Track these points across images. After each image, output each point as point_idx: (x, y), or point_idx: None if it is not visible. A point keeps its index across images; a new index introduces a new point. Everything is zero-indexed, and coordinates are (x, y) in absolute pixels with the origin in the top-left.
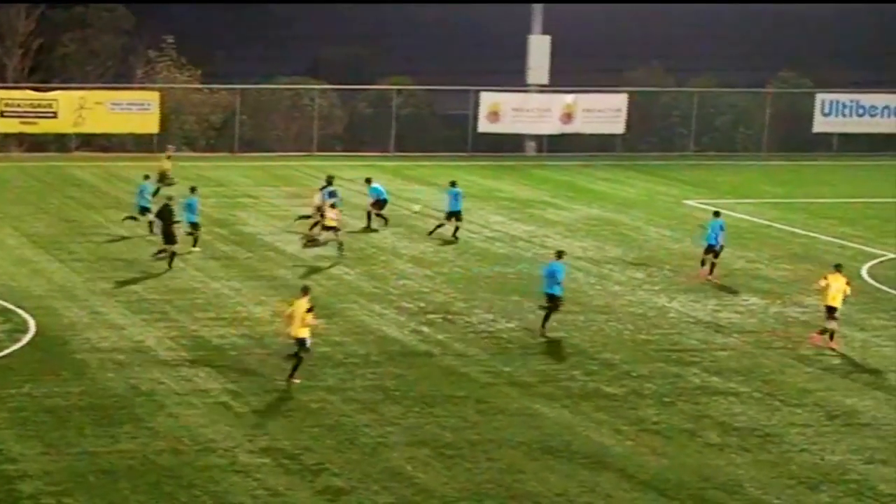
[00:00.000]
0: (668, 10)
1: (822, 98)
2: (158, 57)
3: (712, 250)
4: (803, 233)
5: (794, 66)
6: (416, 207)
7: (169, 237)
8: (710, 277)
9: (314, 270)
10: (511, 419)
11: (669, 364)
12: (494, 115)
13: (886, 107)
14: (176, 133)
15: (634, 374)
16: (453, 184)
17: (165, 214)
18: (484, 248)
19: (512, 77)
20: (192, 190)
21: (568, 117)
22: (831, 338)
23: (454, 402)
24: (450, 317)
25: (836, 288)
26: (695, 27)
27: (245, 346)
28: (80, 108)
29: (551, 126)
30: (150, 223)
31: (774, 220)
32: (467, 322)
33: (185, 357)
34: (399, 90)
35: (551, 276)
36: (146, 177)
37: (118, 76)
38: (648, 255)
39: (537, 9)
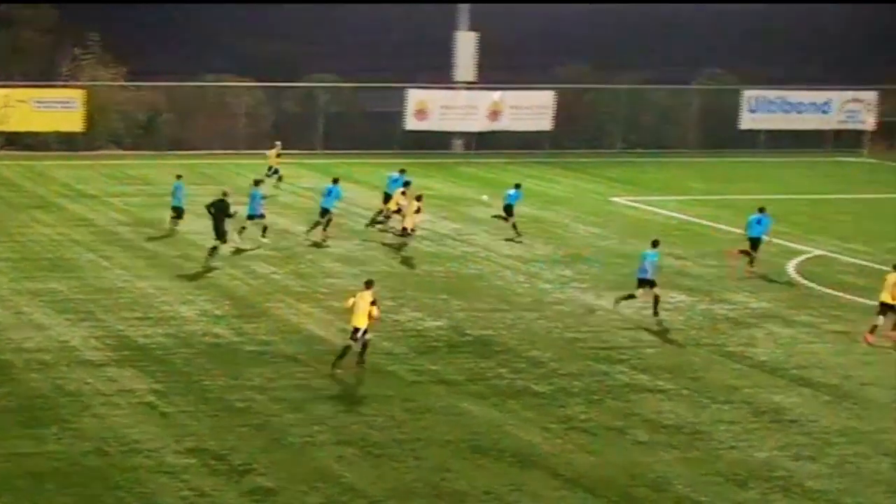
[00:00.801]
0: (596, 8)
1: (748, 95)
2: (83, 54)
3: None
4: (730, 229)
5: (721, 63)
6: (485, 197)
7: (220, 233)
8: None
9: (243, 269)
10: (438, 418)
11: (598, 362)
12: (422, 113)
13: (812, 103)
14: (101, 131)
15: (563, 372)
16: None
17: (221, 208)
18: (412, 247)
19: (439, 74)
20: (256, 183)
21: (495, 115)
22: (872, 331)
23: (381, 401)
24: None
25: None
26: (622, 25)
27: (171, 345)
28: (3, 107)
29: (479, 123)
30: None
31: (702, 216)
32: (395, 320)
33: (110, 357)
34: (326, 88)
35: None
36: (178, 176)
37: (43, 74)
38: (576, 253)
39: (464, 6)
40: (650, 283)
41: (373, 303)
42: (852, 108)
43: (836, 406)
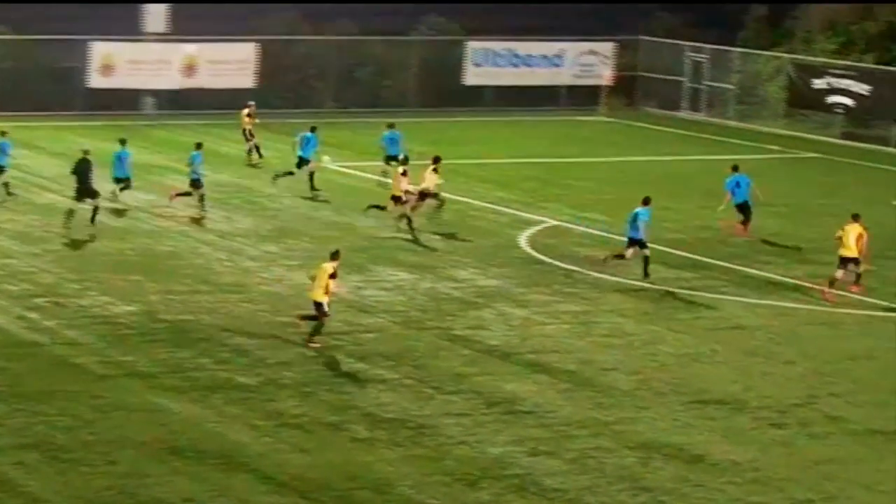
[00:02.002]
0: None
1: (472, 46)
2: None
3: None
4: (455, 198)
5: (443, 11)
6: (326, 158)
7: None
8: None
9: None
10: (132, 416)
11: (309, 349)
12: (108, 69)
13: (544, 56)
14: None
15: (271, 362)
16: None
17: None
18: (99, 221)
19: (127, 25)
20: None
21: (190, 70)
22: (857, 280)
23: (67, 398)
24: (60, 300)
25: (853, 237)
26: None
27: None
28: None
29: (171, 80)
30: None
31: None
32: (80, 306)
33: None
34: None
35: (633, 220)
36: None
37: None
38: (284, 227)
39: None
40: (641, 244)
41: (332, 276)
42: (587, 60)
43: (575, 394)
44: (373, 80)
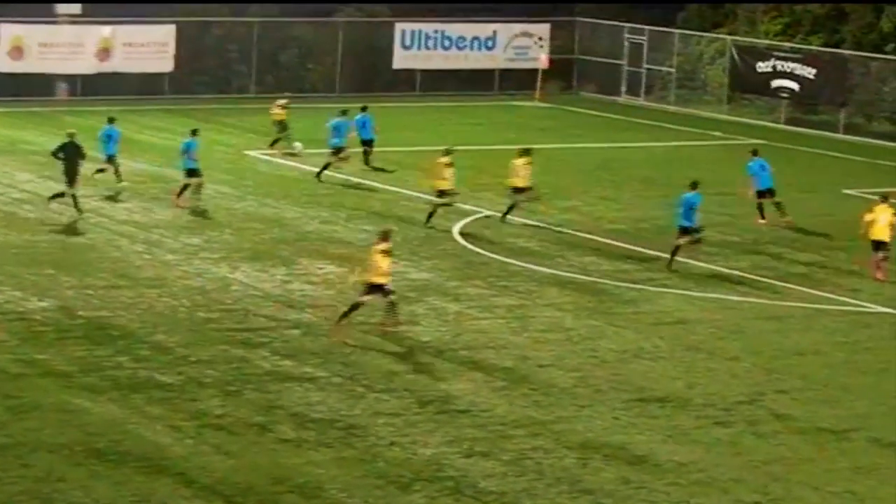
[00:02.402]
0: None
1: (402, 28)
2: None
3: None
4: (385, 187)
5: None
6: (297, 145)
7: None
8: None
9: None
10: (48, 417)
11: (234, 346)
12: (17, 52)
13: (476, 38)
14: None
15: (193, 360)
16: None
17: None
18: (10, 213)
19: (38, 6)
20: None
21: (105, 53)
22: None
23: None
24: None
25: (884, 221)
26: None
27: None
28: None
29: (86, 64)
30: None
31: (352, 173)
32: None
33: None
34: None
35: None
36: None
37: None
38: (204, 218)
39: None
40: (692, 230)
41: (385, 253)
42: (522, 43)
43: (511, 392)
44: (297, 63)
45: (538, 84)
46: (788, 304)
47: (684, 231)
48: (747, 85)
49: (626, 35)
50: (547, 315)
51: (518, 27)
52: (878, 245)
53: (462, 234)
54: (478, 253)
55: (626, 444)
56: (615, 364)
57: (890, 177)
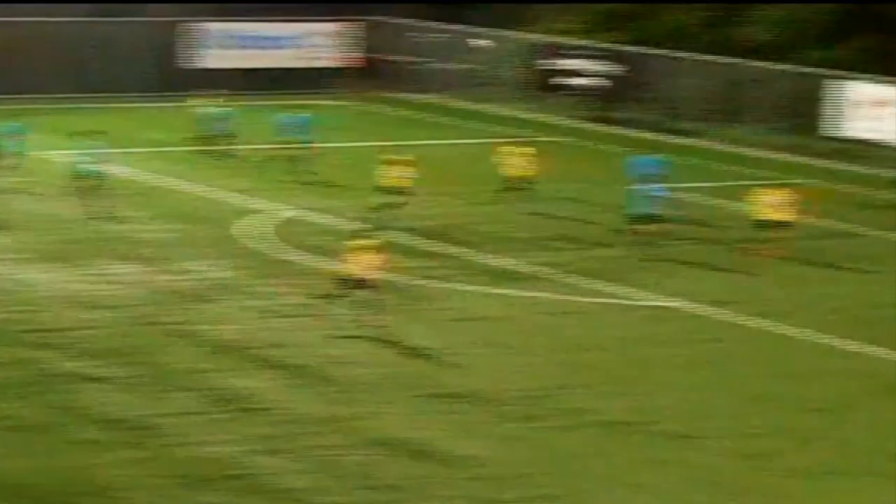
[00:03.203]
0: None
1: (204, 28)
2: None
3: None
4: (184, 187)
5: None
6: None
7: None
8: None
9: None
10: None
11: (29, 348)
12: None
13: (280, 37)
14: None
15: None
16: None
17: None
18: None
19: None
20: None
21: None
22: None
23: None
24: None
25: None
26: None
27: None
28: None
29: None
30: None
31: (158, 171)
32: None
33: None
34: None
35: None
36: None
37: None
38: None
39: None
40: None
41: (363, 251)
42: (330, 42)
43: (310, 390)
44: (104, 63)
45: (346, 83)
46: (586, 299)
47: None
48: (545, 83)
49: (431, 35)
50: (345, 313)
51: (327, 27)
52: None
53: (260, 233)
54: (279, 253)
55: (424, 440)
56: (414, 360)
57: (690, 173)
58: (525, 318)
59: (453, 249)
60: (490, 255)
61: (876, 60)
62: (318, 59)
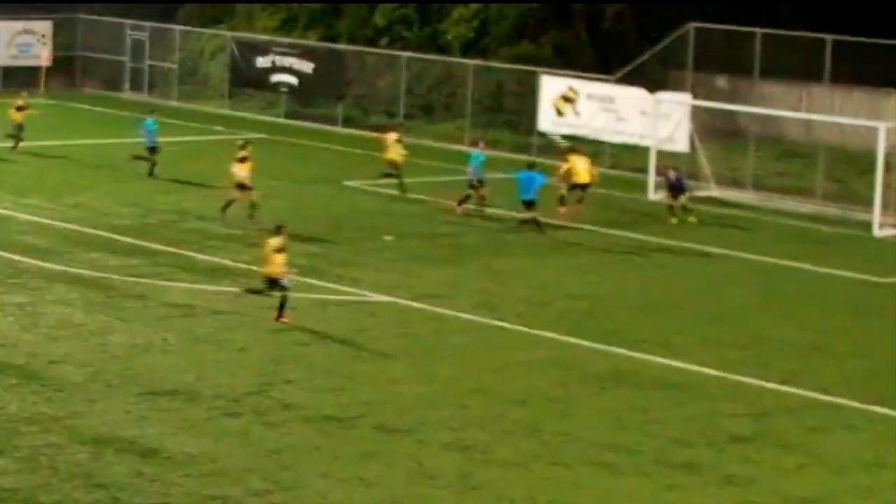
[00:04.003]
0: None
1: None
2: None
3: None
4: None
5: None
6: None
7: None
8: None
9: None
10: None
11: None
12: None
13: None
14: None
15: None
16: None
17: None
18: None
19: None
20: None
21: None
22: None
23: None
24: None
25: (582, 166)
26: None
27: None
28: None
29: None
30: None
31: None
32: None
33: None
34: None
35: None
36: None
37: None
38: None
39: None
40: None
41: (279, 250)
42: (24, 40)
43: (22, 389)
44: None
45: (41, 81)
46: (293, 294)
47: (527, 204)
48: (247, 80)
49: (129, 32)
50: (57, 311)
51: (19, 25)
52: (583, 187)
53: None
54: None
55: (138, 438)
56: (125, 358)
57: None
58: (234, 314)
59: (162, 247)
60: (200, 252)
61: (567, 55)
62: (11, 57)
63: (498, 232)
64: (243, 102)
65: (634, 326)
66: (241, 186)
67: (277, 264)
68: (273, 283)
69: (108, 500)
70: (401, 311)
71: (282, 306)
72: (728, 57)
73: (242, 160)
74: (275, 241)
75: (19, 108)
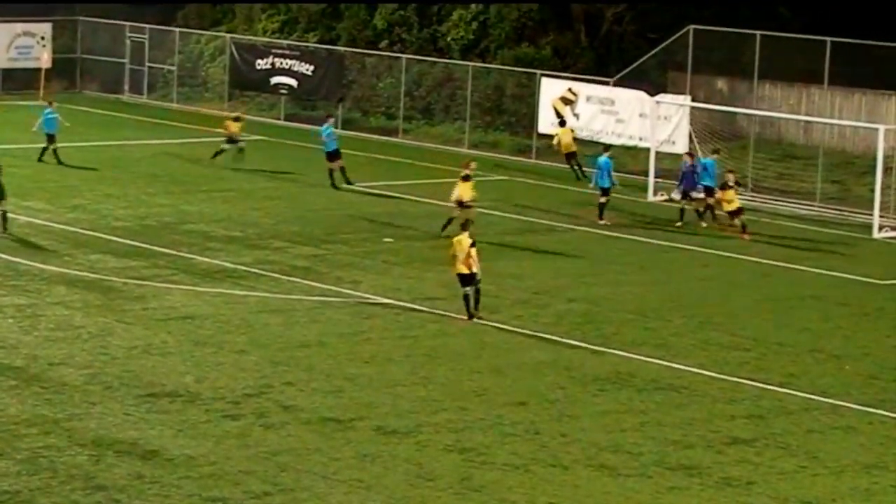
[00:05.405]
0: None
1: None
2: None
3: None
4: None
5: None
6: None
7: None
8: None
9: None
10: None
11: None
12: None
13: None
14: None
15: None
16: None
17: None
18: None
19: None
20: None
21: None
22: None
23: None
24: None
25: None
26: None
27: None
28: None
29: None
30: None
31: None
32: None
33: None
34: None
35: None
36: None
37: None
38: None
39: None
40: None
41: (472, 244)
42: (23, 42)
43: (23, 392)
44: None
45: (41, 83)
46: (293, 297)
47: (604, 190)
48: (247, 82)
49: (128, 34)
50: (56, 313)
51: (19, 27)
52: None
53: None
54: None
55: (137, 440)
56: (125, 360)
57: (385, 170)
58: (234, 317)
59: (162, 249)
60: (200, 255)
61: (566, 57)
62: (11, 59)
63: (497, 234)
64: (243, 104)
65: (633, 328)
66: (461, 204)
67: (474, 260)
68: (469, 278)
69: (107, 502)
70: (400, 313)
71: (477, 302)
72: (727, 59)
73: (465, 178)
74: (466, 238)
75: (236, 120)
